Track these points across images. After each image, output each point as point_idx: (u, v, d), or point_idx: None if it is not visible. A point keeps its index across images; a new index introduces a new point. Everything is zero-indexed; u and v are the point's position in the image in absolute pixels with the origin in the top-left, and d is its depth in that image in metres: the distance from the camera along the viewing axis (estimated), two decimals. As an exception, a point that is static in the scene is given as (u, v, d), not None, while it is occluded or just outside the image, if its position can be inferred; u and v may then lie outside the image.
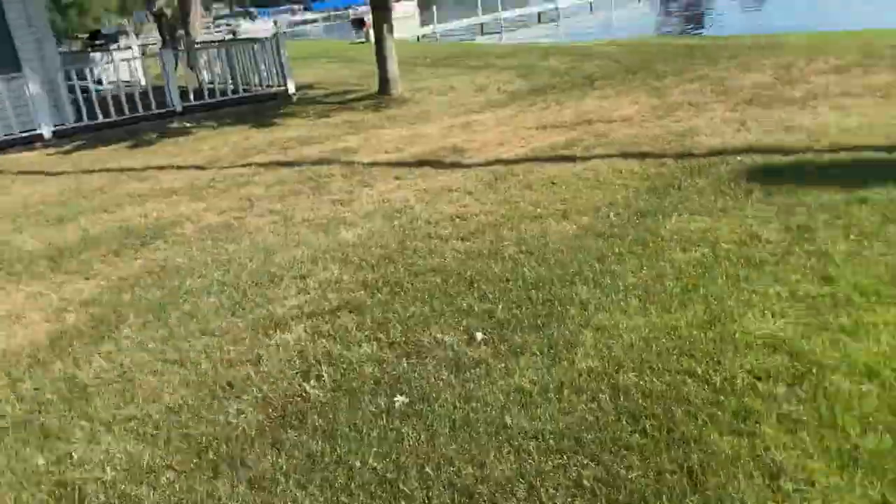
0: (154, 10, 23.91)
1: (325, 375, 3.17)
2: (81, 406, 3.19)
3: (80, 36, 46.91)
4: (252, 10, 65.02)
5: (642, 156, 6.00)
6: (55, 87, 11.12)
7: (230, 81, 12.09)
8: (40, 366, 3.61)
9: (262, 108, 11.37)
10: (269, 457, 2.67)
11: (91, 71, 12.09)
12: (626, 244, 4.16)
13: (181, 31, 22.24)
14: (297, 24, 58.01)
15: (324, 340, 3.47)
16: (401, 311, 3.66)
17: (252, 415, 2.96)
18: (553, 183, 5.55)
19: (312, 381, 3.15)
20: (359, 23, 27.62)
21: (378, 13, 11.33)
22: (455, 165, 6.53)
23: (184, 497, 2.53)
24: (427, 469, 2.48)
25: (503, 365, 3.07)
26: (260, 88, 12.24)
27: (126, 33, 35.09)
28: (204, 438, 2.83)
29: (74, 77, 11.20)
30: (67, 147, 10.04)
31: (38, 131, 10.57)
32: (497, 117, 8.55)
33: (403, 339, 3.40)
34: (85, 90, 11.20)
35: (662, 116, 7.43)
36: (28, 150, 9.99)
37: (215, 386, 3.21)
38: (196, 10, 20.10)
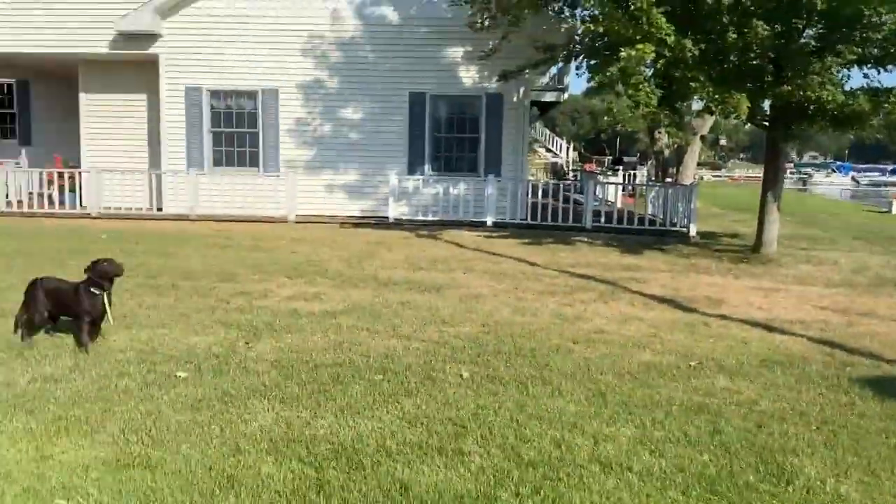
0: (655, 149, 27.26)
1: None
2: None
3: (596, 156, 53.89)
4: (836, 163, 65.89)
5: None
6: (516, 190, 14.39)
7: (651, 215, 14.00)
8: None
9: (657, 241, 12.84)
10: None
11: (593, 186, 15.12)
12: None
13: (673, 170, 24.95)
14: (884, 184, 54.71)
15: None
16: None
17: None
18: None
19: None
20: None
21: (767, 174, 11.90)
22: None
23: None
24: None
25: None
26: (665, 226, 13.80)
27: (642, 163, 39.80)
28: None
29: (570, 188, 14.38)
30: (494, 234, 13.01)
31: (484, 219, 13.93)
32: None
33: None
34: (571, 200, 14.25)
35: None
36: (470, 231, 13.23)
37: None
38: (692, 159, 22.47)
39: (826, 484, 3.59)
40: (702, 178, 38.81)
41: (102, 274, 5.23)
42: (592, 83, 13.11)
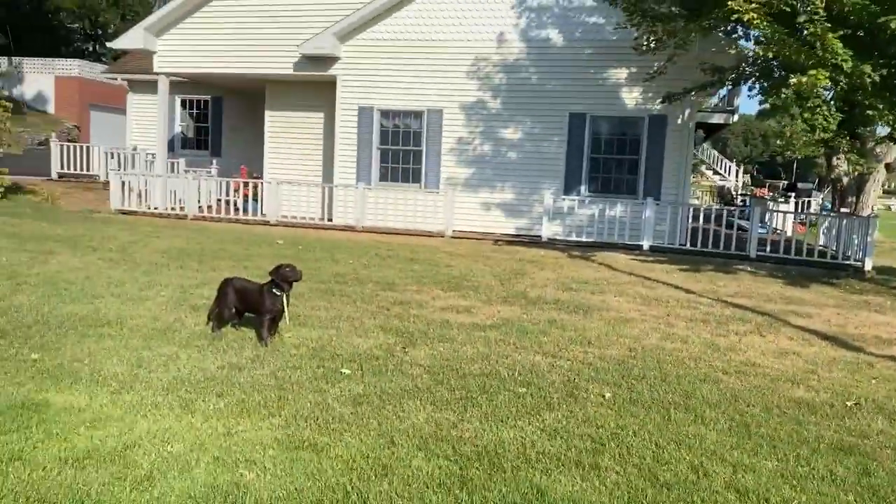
0: (832, 175, 25.62)
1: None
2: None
3: (770, 180, 51.19)
4: None
5: None
6: (676, 214, 14.13)
7: (822, 246, 13.26)
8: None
9: (826, 275, 12.13)
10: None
11: (760, 213, 14.69)
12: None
13: (852, 199, 23.46)
14: None
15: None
16: None
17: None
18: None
19: None
20: None
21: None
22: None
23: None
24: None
25: None
26: (838, 259, 12.98)
27: (820, 190, 37.46)
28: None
29: (734, 213, 14.08)
30: (650, 259, 12.84)
31: (640, 243, 13.78)
32: None
33: None
34: (733, 226, 13.90)
35: None
36: (624, 254, 13.15)
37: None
38: (874, 188, 20.97)
39: None
40: (889, 209, 35.70)
41: (284, 277, 5.87)
42: (765, 105, 12.68)
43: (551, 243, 14.08)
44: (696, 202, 32.03)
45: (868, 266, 12.55)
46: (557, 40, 14.83)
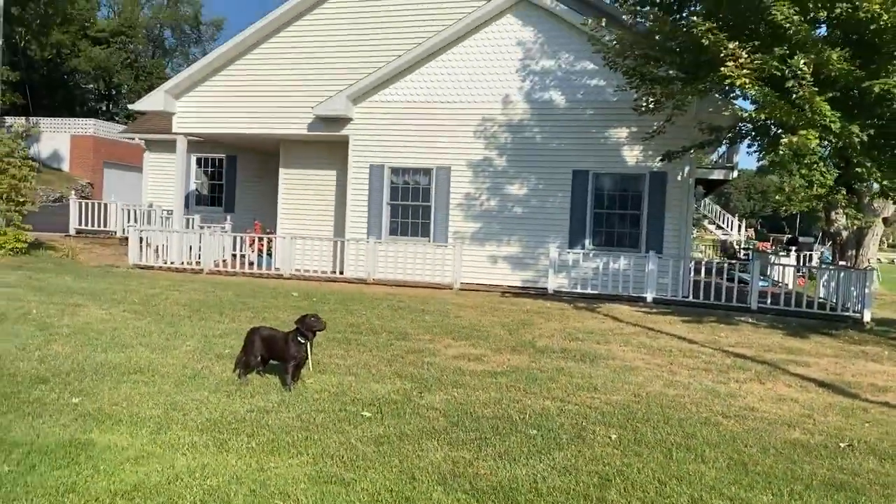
0: (832, 229, 26.13)
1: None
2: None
3: (773, 234, 51.81)
4: None
5: None
6: (678, 267, 14.54)
7: (822, 298, 13.60)
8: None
9: (826, 325, 12.45)
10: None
11: (759, 266, 15.02)
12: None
13: (851, 253, 23.88)
14: None
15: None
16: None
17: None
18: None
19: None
20: None
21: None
22: None
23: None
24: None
25: None
26: (837, 310, 13.31)
27: (823, 244, 37.88)
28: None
29: (735, 267, 14.50)
30: (654, 310, 13.19)
31: (643, 295, 14.16)
32: None
33: None
34: (734, 279, 14.26)
35: None
36: (628, 306, 13.51)
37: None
38: (873, 242, 21.41)
39: (964, 565, 3.70)
40: (892, 262, 36.00)
41: (309, 327, 6.26)
42: (763, 162, 13.19)
43: (557, 295, 14.45)
44: (699, 256, 32.50)
45: (867, 317, 12.86)
46: (560, 101, 15.48)
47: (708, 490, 4.52)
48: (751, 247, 34.64)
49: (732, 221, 42.70)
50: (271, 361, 6.60)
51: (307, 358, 6.33)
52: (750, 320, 12.54)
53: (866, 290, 12.97)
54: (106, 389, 6.04)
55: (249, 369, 6.52)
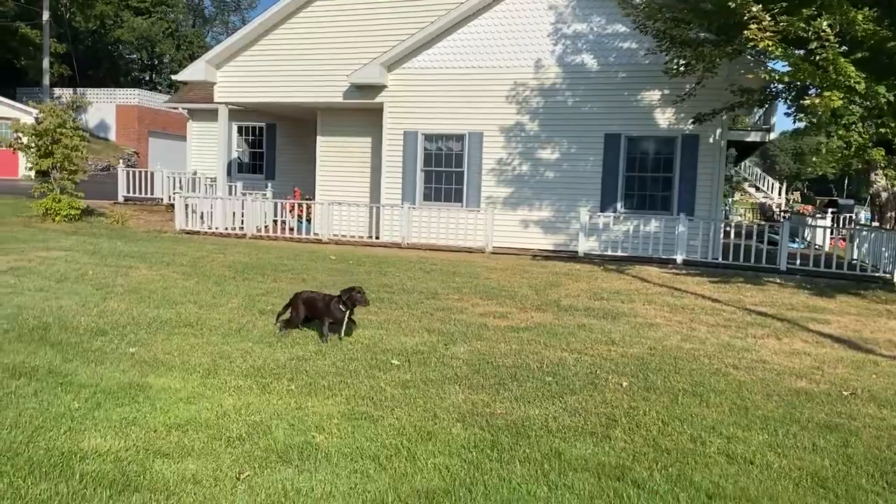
0: (871, 191, 25.83)
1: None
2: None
3: (820, 198, 50.96)
4: None
5: None
6: (709, 229, 14.71)
7: (856, 260, 13.69)
8: (521, 346, 6.92)
9: (855, 286, 12.55)
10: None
11: (797, 230, 15.22)
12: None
13: (891, 214, 23.65)
14: None
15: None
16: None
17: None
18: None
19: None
20: None
21: None
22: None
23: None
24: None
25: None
26: (867, 271, 13.38)
27: (858, 208, 37.29)
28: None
29: (765, 229, 14.65)
30: (682, 272, 13.43)
31: (673, 257, 14.38)
32: None
33: None
34: (772, 242, 14.45)
35: None
36: (658, 268, 13.75)
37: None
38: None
39: (938, 494, 4.04)
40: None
41: (353, 300, 6.76)
42: (800, 125, 13.20)
43: (587, 258, 14.74)
44: (738, 218, 32.27)
45: (897, 278, 12.93)
46: (592, 65, 15.59)
47: (707, 430, 4.89)
48: (791, 210, 34.23)
49: (773, 184, 42.10)
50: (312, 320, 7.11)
51: (344, 321, 6.81)
52: (778, 281, 12.70)
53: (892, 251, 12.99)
54: (159, 341, 6.62)
55: (291, 326, 7.02)
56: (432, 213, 16.10)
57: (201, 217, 17.31)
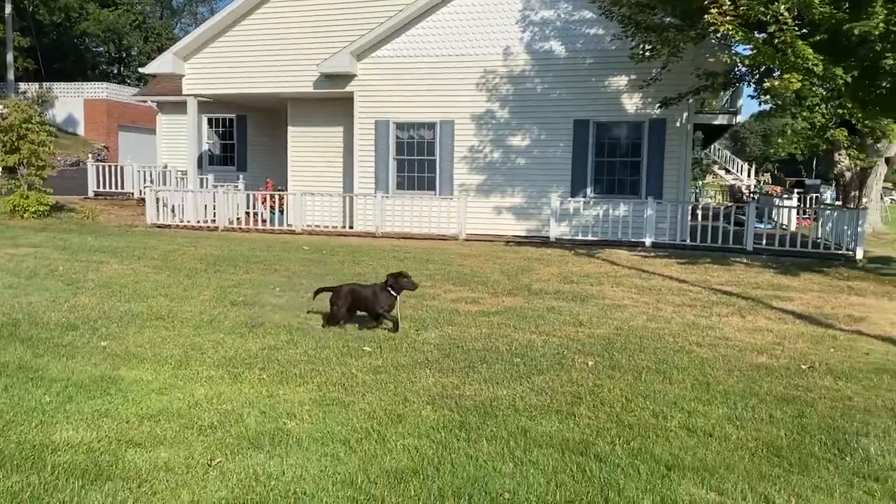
0: (836, 171, 26.30)
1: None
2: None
3: (790, 178, 51.73)
4: None
5: None
6: (676, 212, 14.94)
7: (820, 238, 14.04)
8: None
9: (819, 264, 12.84)
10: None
11: (764, 211, 15.48)
12: None
13: (855, 194, 24.08)
14: None
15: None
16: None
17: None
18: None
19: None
20: None
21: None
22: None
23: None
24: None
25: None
26: (830, 249, 13.71)
27: (825, 187, 37.94)
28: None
29: (731, 210, 14.88)
30: (651, 254, 13.64)
31: (642, 240, 14.59)
32: None
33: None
34: (740, 223, 14.71)
35: None
36: (627, 251, 13.96)
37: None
38: (875, 182, 21.61)
39: (884, 458, 4.23)
40: (893, 201, 36.00)
41: (400, 286, 6.85)
42: (765, 107, 13.44)
43: (559, 243, 14.91)
44: (708, 201, 32.66)
45: (859, 255, 13.25)
46: (560, 51, 15.70)
47: (669, 405, 5.05)
48: (759, 191, 34.75)
49: (742, 166, 42.66)
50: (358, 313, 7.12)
51: (395, 308, 6.92)
52: (744, 261, 12.96)
53: (859, 229, 13.32)
54: (131, 334, 6.64)
55: (334, 322, 6.97)
56: (405, 202, 16.16)
57: (172, 210, 17.22)
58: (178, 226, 16.79)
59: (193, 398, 4.99)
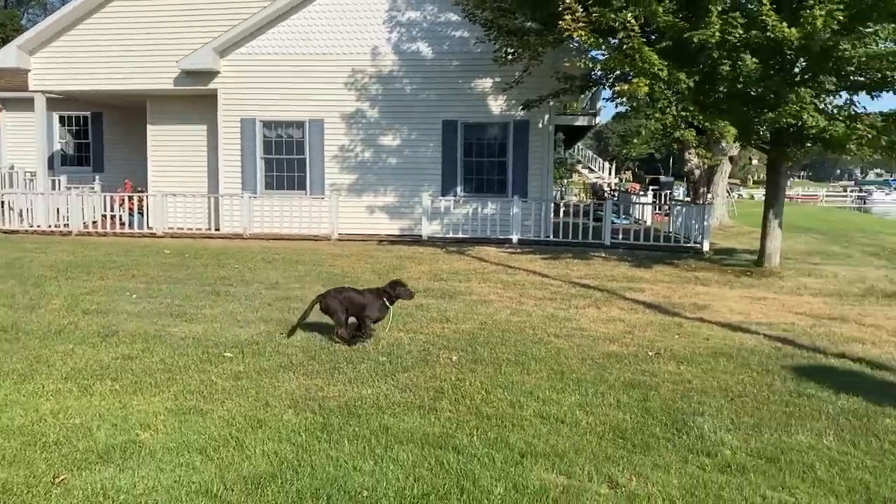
0: (686, 169, 28.06)
1: (443, 366, 5.82)
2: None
3: (645, 176, 54.58)
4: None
5: None
6: (540, 210, 15.51)
7: (672, 232, 14.95)
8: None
9: (671, 256, 13.74)
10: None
11: (622, 207, 16.18)
12: None
13: (703, 190, 25.74)
14: None
15: (465, 357, 6.09)
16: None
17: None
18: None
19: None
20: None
21: (768, 192, 12.76)
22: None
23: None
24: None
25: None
26: (680, 242, 14.70)
27: (678, 184, 40.36)
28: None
29: (591, 207, 15.48)
30: (517, 251, 14.11)
31: (510, 237, 15.05)
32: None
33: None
34: (599, 219, 15.36)
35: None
36: (495, 248, 14.36)
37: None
38: (721, 178, 23.22)
39: (715, 434, 4.61)
40: (740, 196, 39.00)
41: (397, 294, 6.58)
42: (620, 108, 14.18)
43: (431, 241, 15.12)
44: (574, 198, 34.10)
45: (706, 247, 14.27)
46: (427, 53, 15.91)
47: (526, 395, 5.28)
48: (620, 188, 36.65)
49: (604, 165, 44.84)
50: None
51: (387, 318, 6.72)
52: (602, 255, 13.66)
53: (706, 223, 14.35)
54: (-33, 349, 6.16)
55: (347, 332, 6.57)
56: (275, 202, 15.86)
57: (20, 215, 16.06)
58: (26, 231, 15.68)
59: (38, 413, 4.72)
